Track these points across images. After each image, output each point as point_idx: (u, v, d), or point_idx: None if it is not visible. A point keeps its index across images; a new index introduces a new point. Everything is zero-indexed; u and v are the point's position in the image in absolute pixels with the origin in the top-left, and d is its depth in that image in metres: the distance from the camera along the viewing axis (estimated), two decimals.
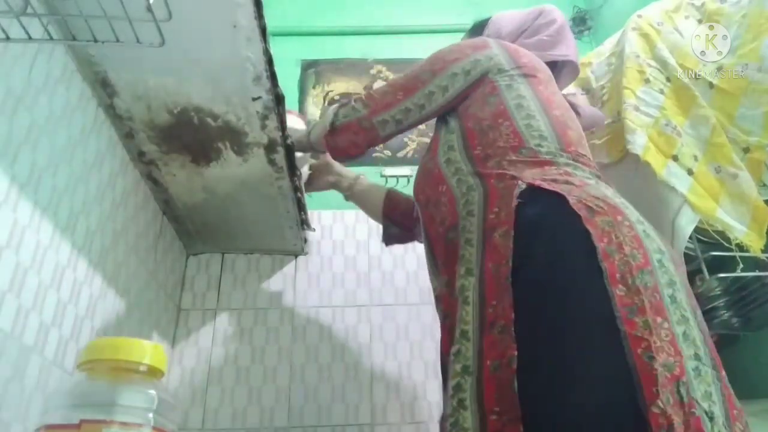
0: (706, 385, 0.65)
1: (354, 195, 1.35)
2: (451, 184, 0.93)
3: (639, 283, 0.69)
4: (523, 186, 0.82)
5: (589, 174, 0.89)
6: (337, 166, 1.37)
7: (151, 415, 0.55)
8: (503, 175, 0.87)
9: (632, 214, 0.80)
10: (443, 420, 0.76)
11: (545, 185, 0.81)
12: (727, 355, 1.35)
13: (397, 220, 1.31)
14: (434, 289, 0.96)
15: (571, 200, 0.77)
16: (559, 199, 0.78)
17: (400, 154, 1.88)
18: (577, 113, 1.11)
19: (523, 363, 0.67)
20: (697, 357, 0.67)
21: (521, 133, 0.92)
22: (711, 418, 0.62)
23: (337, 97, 1.98)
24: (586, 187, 0.82)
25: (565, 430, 0.64)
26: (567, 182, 0.82)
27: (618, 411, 0.63)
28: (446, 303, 0.85)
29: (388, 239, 1.35)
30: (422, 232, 1.01)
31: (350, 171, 1.38)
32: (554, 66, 1.17)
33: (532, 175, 0.85)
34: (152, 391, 0.57)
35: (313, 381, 1.45)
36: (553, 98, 1.00)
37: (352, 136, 1.06)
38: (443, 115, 1.06)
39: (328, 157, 1.25)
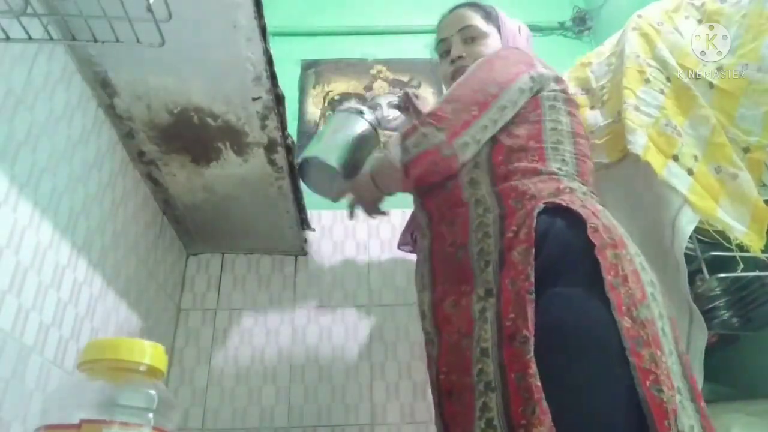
0: (688, 419, 0.68)
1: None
2: (470, 206, 0.92)
3: (642, 316, 0.72)
4: (541, 207, 0.83)
5: (598, 204, 0.92)
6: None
7: (151, 415, 0.55)
8: (523, 194, 0.87)
9: (632, 246, 0.84)
10: None
11: (563, 203, 0.83)
12: (727, 355, 1.35)
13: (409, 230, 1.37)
14: (421, 305, 0.96)
15: (589, 227, 0.79)
16: (577, 220, 0.81)
17: None
18: None
19: (542, 376, 0.69)
20: (679, 391, 0.70)
21: (546, 155, 0.94)
22: None
23: (337, 97, 1.98)
24: (598, 213, 0.84)
25: None
26: (583, 205, 0.84)
27: None
28: (450, 325, 0.85)
29: (400, 246, 1.43)
30: (426, 246, 0.99)
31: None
32: None
33: (548, 193, 0.86)
34: (152, 391, 0.57)
35: (313, 381, 1.45)
36: (580, 127, 1.03)
37: (431, 166, 0.94)
38: None
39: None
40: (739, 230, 1.10)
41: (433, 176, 0.95)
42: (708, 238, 1.17)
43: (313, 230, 1.59)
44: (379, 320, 1.55)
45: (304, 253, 1.61)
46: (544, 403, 0.66)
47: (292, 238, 1.53)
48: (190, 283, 1.55)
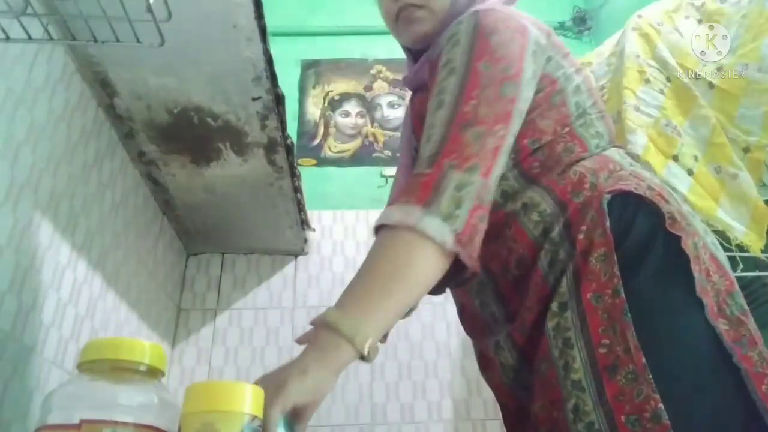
0: None
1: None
2: (516, 214, 0.75)
3: (737, 311, 0.64)
4: (608, 197, 0.69)
5: (644, 168, 0.80)
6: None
7: (151, 415, 0.55)
8: (580, 184, 0.72)
9: (699, 224, 0.72)
10: None
11: (629, 189, 0.70)
12: None
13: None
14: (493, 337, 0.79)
15: (667, 219, 0.66)
16: (652, 209, 0.68)
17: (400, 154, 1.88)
18: None
19: None
20: None
21: (582, 138, 0.78)
22: None
23: (337, 97, 1.98)
24: (664, 194, 0.72)
25: None
26: (649, 188, 0.71)
27: None
28: (534, 351, 0.70)
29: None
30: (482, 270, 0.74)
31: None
32: None
33: (604, 178, 0.72)
34: (152, 391, 0.57)
35: None
36: (590, 80, 0.85)
37: (480, 223, 0.66)
38: None
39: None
40: (739, 230, 1.10)
41: (483, 228, 0.67)
42: None
43: (313, 230, 1.59)
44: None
45: (304, 253, 1.61)
46: None
47: (292, 238, 1.53)
48: (190, 283, 1.55)
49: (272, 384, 0.55)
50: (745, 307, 0.65)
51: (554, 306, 0.67)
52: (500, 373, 0.78)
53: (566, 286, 0.67)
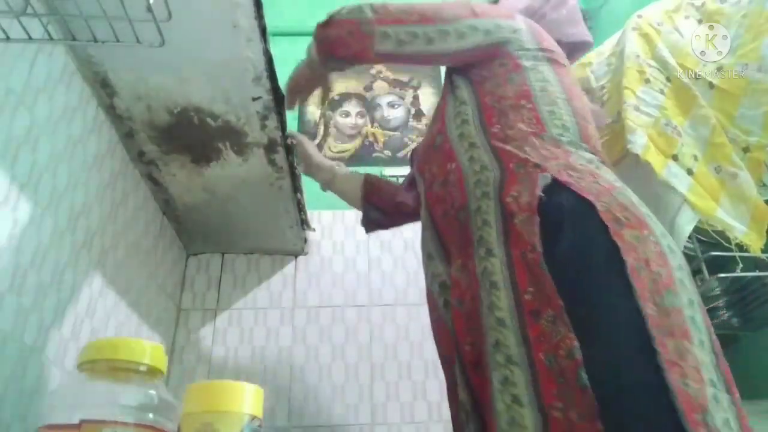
0: (723, 412, 0.63)
1: (332, 184, 1.27)
2: (462, 161, 0.87)
3: (667, 304, 0.66)
4: (548, 178, 0.76)
5: (612, 174, 0.84)
6: (315, 157, 1.27)
7: (151, 415, 0.55)
8: (525, 161, 0.80)
9: (657, 226, 0.76)
10: (462, 418, 0.71)
11: (573, 182, 0.76)
12: (727, 355, 1.35)
13: (378, 205, 1.24)
14: (436, 277, 0.88)
15: (600, 208, 0.72)
16: (587, 203, 0.73)
17: (400, 154, 1.88)
18: None
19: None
20: (712, 383, 0.64)
21: (543, 119, 0.86)
22: None
23: (336, 97, 1.98)
24: (614, 191, 0.77)
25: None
26: (595, 181, 0.77)
27: (663, 427, 0.60)
28: (460, 289, 0.79)
29: (369, 225, 1.28)
30: (425, 213, 0.94)
31: (326, 160, 1.28)
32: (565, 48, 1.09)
33: (557, 166, 0.79)
34: (152, 391, 0.57)
35: (313, 381, 1.45)
36: (575, 88, 0.95)
37: (345, 34, 0.95)
38: (452, 83, 0.99)
39: (308, 147, 1.24)
40: (739, 230, 1.10)
41: (341, 46, 0.96)
42: (708, 238, 1.17)
43: (313, 230, 1.59)
44: (379, 320, 1.55)
45: (304, 253, 1.61)
46: (583, 381, 0.61)
47: (292, 238, 1.53)
48: (190, 283, 1.55)
49: None
50: (678, 306, 0.67)
51: (481, 251, 0.76)
52: (444, 317, 0.84)
53: (494, 237, 0.75)
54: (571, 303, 0.66)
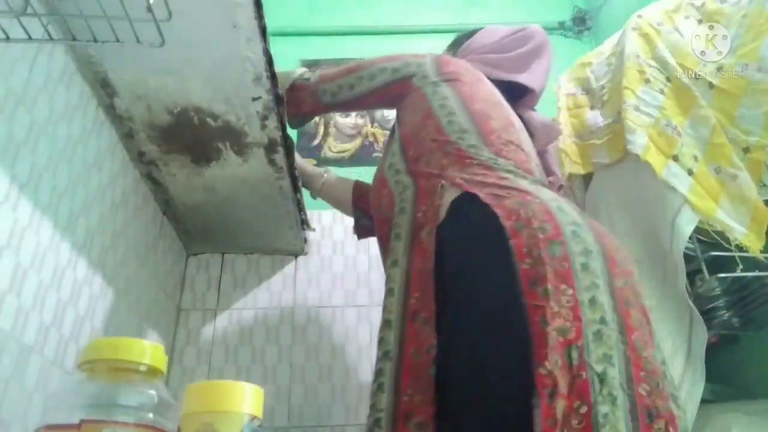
0: (606, 348, 0.66)
1: (322, 191, 1.37)
2: (390, 185, 0.99)
3: (545, 253, 0.72)
4: (446, 184, 0.88)
5: (512, 167, 0.92)
6: (302, 165, 1.38)
7: (151, 415, 0.55)
8: (430, 174, 0.92)
9: (546, 194, 0.83)
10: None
11: (464, 184, 0.86)
12: (727, 355, 1.35)
13: (368, 212, 1.28)
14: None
15: (481, 194, 0.82)
16: (472, 195, 0.83)
17: None
18: (528, 130, 1.12)
19: (441, 351, 0.72)
20: (602, 321, 0.68)
21: (444, 129, 0.97)
22: (602, 380, 0.63)
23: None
24: (500, 182, 0.86)
25: (469, 402, 0.67)
26: (482, 182, 0.86)
27: (513, 375, 0.66)
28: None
29: (360, 231, 1.35)
30: (377, 235, 1.07)
31: (317, 168, 1.40)
32: (517, 88, 1.18)
33: (453, 173, 0.89)
34: (152, 391, 0.57)
35: (313, 381, 1.45)
36: (477, 95, 1.04)
37: (301, 96, 1.18)
38: (393, 128, 1.12)
39: (297, 160, 1.31)
40: (738, 231, 1.10)
41: (303, 101, 1.19)
42: (708, 238, 1.17)
43: (313, 230, 1.59)
44: (378, 320, 1.54)
45: (304, 253, 1.61)
46: (431, 372, 0.71)
47: (292, 238, 1.53)
48: (190, 283, 1.55)
49: None
50: (558, 254, 0.72)
51: (389, 262, 0.88)
52: None
53: (402, 248, 0.86)
54: (453, 300, 0.75)
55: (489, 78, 1.13)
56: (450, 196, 0.86)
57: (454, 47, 1.32)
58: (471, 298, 0.74)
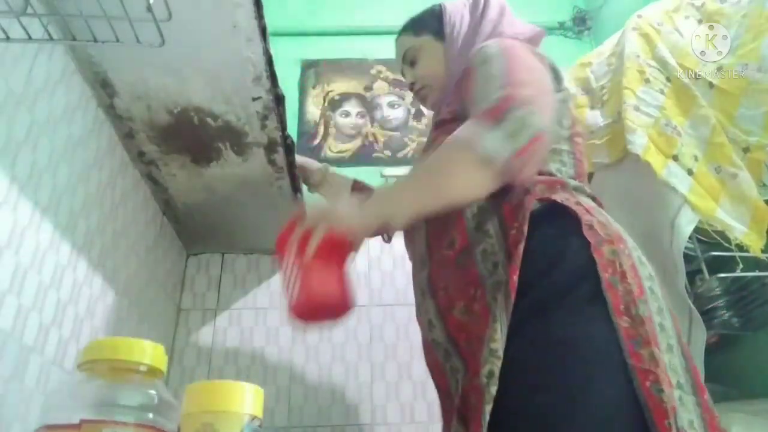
0: (688, 413, 0.67)
1: (320, 186, 1.34)
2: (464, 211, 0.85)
3: (641, 313, 0.69)
4: (536, 203, 0.79)
5: (592, 200, 0.88)
6: (301, 160, 1.33)
7: (151, 415, 0.55)
8: (515, 191, 0.81)
9: (630, 240, 0.80)
10: None
11: (558, 200, 0.79)
12: (727, 355, 1.35)
13: None
14: (425, 314, 0.91)
15: (584, 225, 0.76)
16: (571, 218, 0.77)
17: (400, 154, 1.88)
18: None
19: (534, 386, 0.68)
20: (679, 386, 0.68)
21: (544, 157, 0.86)
22: None
23: (337, 97, 1.98)
24: (593, 210, 0.81)
25: None
26: (578, 203, 0.80)
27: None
28: (449, 329, 0.84)
29: None
30: (421, 251, 0.93)
31: (316, 163, 1.36)
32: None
33: (541, 189, 0.81)
34: (152, 391, 0.57)
35: (313, 381, 1.45)
36: (578, 125, 0.96)
37: (539, 153, 0.80)
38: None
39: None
40: (739, 230, 1.10)
41: (534, 167, 0.80)
42: (708, 238, 1.17)
43: None
44: (379, 320, 1.55)
45: None
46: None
47: None
48: (190, 283, 1.55)
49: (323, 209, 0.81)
50: (648, 314, 0.70)
51: (490, 294, 0.76)
52: (435, 352, 0.89)
53: (502, 273, 0.76)
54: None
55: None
56: (548, 213, 0.79)
57: (431, 34, 1.11)
58: (565, 342, 0.70)
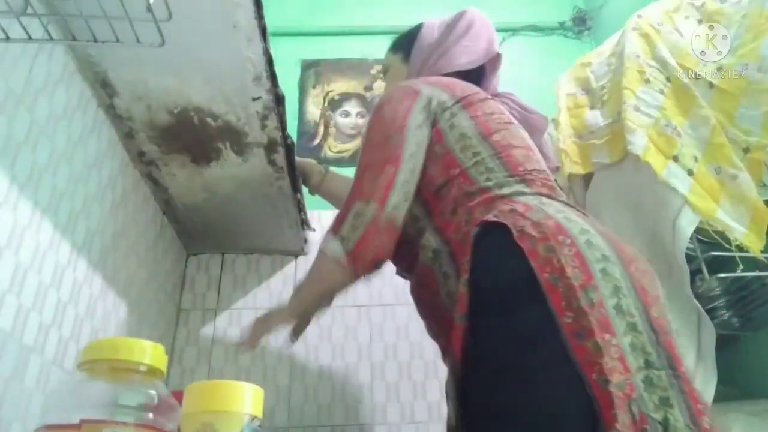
0: (660, 391, 0.65)
1: (320, 188, 1.35)
2: (422, 254, 0.92)
3: (584, 303, 0.69)
4: (477, 230, 0.81)
5: (537, 191, 0.88)
6: (301, 161, 1.35)
7: (151, 415, 0.55)
8: (459, 225, 0.86)
9: (575, 226, 0.78)
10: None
11: (491, 218, 0.81)
12: (727, 355, 1.36)
13: None
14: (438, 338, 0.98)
15: (515, 232, 0.76)
16: (505, 231, 0.78)
17: None
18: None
19: (493, 388, 0.71)
20: (647, 364, 0.67)
21: (470, 175, 0.90)
22: (665, 428, 0.62)
23: (337, 97, 1.98)
24: (528, 212, 0.80)
25: None
26: (512, 210, 0.81)
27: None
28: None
29: None
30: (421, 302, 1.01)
31: (316, 164, 1.38)
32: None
33: (480, 212, 0.84)
34: (152, 391, 0.57)
35: (313, 381, 1.45)
36: (489, 122, 0.96)
37: (377, 240, 0.90)
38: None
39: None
40: (739, 231, 1.10)
41: (380, 251, 0.91)
42: (708, 238, 1.17)
43: (313, 230, 1.59)
44: (379, 320, 1.55)
45: (304, 253, 1.61)
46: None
47: (292, 238, 1.53)
48: (190, 283, 1.55)
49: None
50: (597, 300, 0.69)
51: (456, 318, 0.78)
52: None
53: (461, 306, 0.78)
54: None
55: (450, 73, 1.08)
56: (486, 235, 0.80)
57: (402, 53, 1.22)
58: (516, 360, 0.71)
